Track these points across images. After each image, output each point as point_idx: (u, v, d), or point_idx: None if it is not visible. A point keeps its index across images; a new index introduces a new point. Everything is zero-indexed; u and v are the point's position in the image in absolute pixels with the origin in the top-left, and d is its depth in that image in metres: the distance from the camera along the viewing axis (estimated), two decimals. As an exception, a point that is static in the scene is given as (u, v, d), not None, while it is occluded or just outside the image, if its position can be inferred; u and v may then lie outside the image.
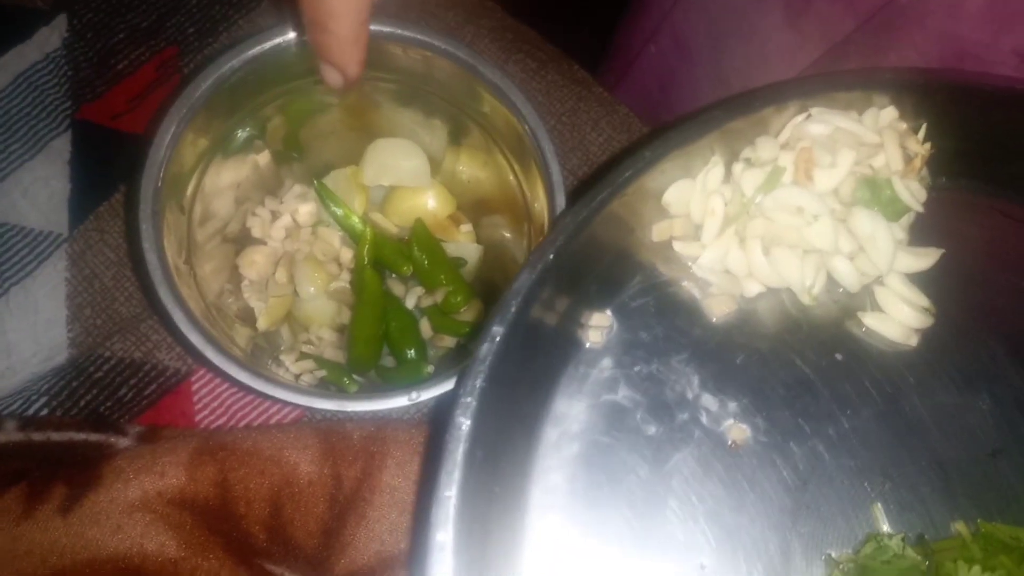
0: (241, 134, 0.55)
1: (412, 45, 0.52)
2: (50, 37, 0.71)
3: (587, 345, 0.44)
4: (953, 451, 0.42)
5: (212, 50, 0.71)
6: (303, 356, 0.58)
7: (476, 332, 0.58)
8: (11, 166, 0.66)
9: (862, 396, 0.43)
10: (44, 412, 0.60)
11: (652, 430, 0.42)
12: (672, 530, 0.40)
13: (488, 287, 0.62)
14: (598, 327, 0.44)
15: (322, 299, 0.59)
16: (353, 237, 0.61)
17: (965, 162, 0.47)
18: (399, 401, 0.48)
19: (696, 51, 0.69)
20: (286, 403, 0.52)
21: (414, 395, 0.48)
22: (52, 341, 0.63)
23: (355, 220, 0.60)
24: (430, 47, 0.52)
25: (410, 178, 0.61)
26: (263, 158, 0.58)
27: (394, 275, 0.62)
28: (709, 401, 0.43)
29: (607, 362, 0.43)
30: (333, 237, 0.61)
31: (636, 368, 0.43)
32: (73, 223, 0.66)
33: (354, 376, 0.58)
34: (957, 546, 0.39)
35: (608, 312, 0.44)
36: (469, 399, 0.37)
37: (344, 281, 0.60)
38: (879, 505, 0.41)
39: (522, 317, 0.39)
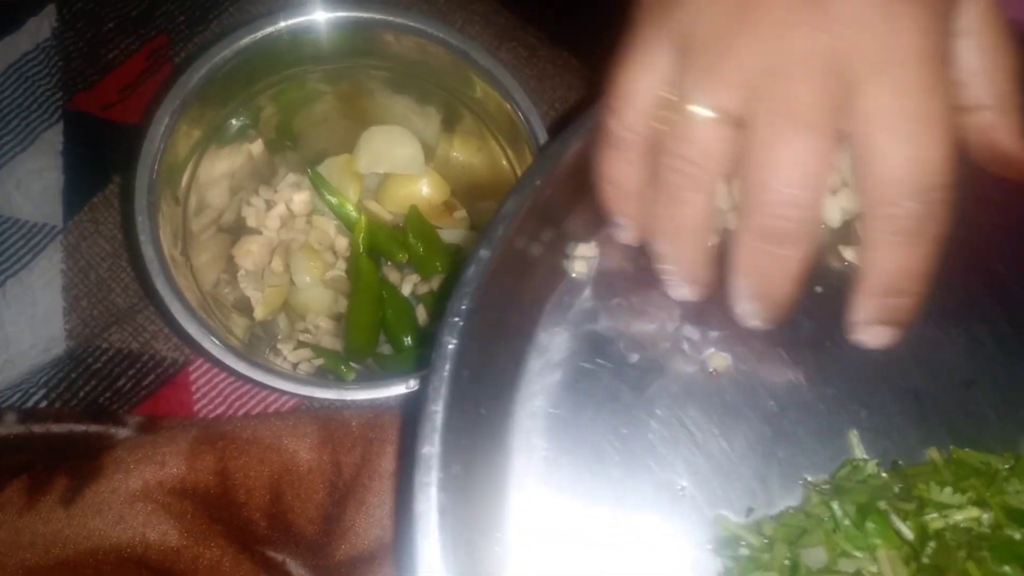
0: (234, 123, 0.55)
1: (404, 32, 0.52)
2: (40, 27, 0.70)
3: (572, 275, 0.44)
4: (928, 381, 0.43)
5: (203, 39, 0.71)
6: (300, 345, 0.58)
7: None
8: (3, 158, 0.66)
9: (841, 328, 0.42)
10: (43, 404, 0.60)
11: (634, 358, 0.43)
12: (653, 454, 0.41)
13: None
14: (583, 258, 0.44)
15: (318, 288, 0.59)
16: (348, 225, 0.61)
17: None
18: (397, 389, 0.48)
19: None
20: (284, 392, 0.52)
21: (412, 383, 0.48)
22: (49, 333, 0.63)
23: (350, 208, 0.61)
24: (422, 34, 0.52)
25: (404, 165, 0.61)
26: (257, 147, 0.58)
27: (390, 263, 0.62)
28: (690, 331, 0.43)
29: (589, 293, 0.44)
30: (328, 225, 0.61)
31: (616, 300, 0.43)
32: (67, 215, 0.66)
33: (351, 364, 0.58)
34: (930, 471, 0.39)
35: (593, 243, 0.44)
36: (456, 319, 0.37)
37: (340, 269, 0.61)
38: (855, 432, 0.42)
39: (509, 243, 0.39)
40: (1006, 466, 0.39)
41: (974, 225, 0.42)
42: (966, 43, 0.36)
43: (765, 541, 0.39)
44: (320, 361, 0.58)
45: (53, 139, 0.67)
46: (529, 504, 0.40)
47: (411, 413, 0.52)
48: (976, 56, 0.36)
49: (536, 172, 0.40)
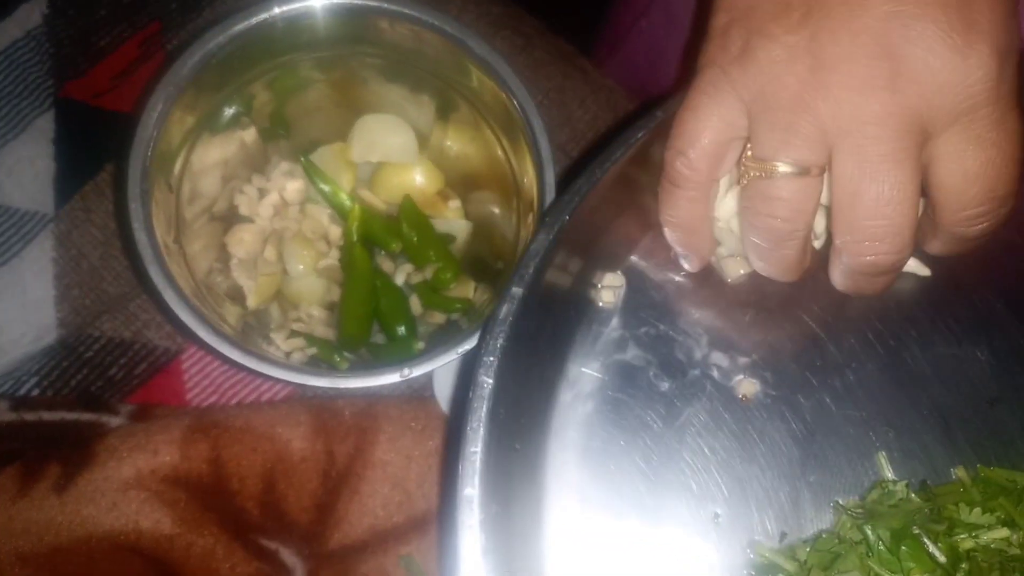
0: (228, 111, 0.55)
1: (399, 19, 0.52)
2: (31, 14, 0.70)
3: (600, 305, 0.45)
4: (953, 400, 0.44)
5: (195, 26, 0.71)
6: (293, 334, 0.58)
7: (466, 307, 0.59)
8: (-6, 146, 0.66)
9: (866, 349, 0.44)
10: (35, 393, 0.60)
11: (664, 386, 0.44)
12: (686, 482, 0.42)
13: (477, 263, 0.62)
14: (610, 287, 0.45)
15: (311, 277, 0.59)
16: (341, 214, 0.61)
17: None
18: (391, 377, 0.48)
19: (686, 25, 0.68)
20: (277, 380, 0.52)
21: (405, 371, 0.48)
22: (41, 322, 0.63)
23: (343, 197, 0.60)
24: (417, 21, 0.52)
25: (398, 154, 0.60)
26: (250, 135, 0.58)
27: (383, 252, 0.62)
28: (719, 358, 0.44)
29: (617, 322, 0.45)
30: (321, 214, 0.61)
31: (644, 329, 0.45)
32: (59, 203, 0.65)
33: (345, 353, 0.58)
34: (957, 490, 0.40)
35: (619, 272, 0.46)
36: (491, 358, 0.38)
37: (333, 259, 0.60)
38: (883, 454, 0.43)
39: (539, 278, 0.40)
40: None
41: (995, 245, 0.43)
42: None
43: (801, 567, 0.39)
44: (313, 350, 0.58)
45: (45, 127, 0.67)
46: (566, 537, 0.41)
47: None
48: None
49: (565, 207, 0.41)
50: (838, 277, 0.41)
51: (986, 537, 0.38)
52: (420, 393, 0.61)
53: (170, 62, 0.51)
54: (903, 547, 0.38)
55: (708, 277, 0.46)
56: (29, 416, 0.58)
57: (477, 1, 0.72)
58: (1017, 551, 0.38)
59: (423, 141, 0.61)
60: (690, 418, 0.43)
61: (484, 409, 0.37)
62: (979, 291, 0.46)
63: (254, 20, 0.51)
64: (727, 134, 0.39)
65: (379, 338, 0.61)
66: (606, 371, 0.44)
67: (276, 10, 0.51)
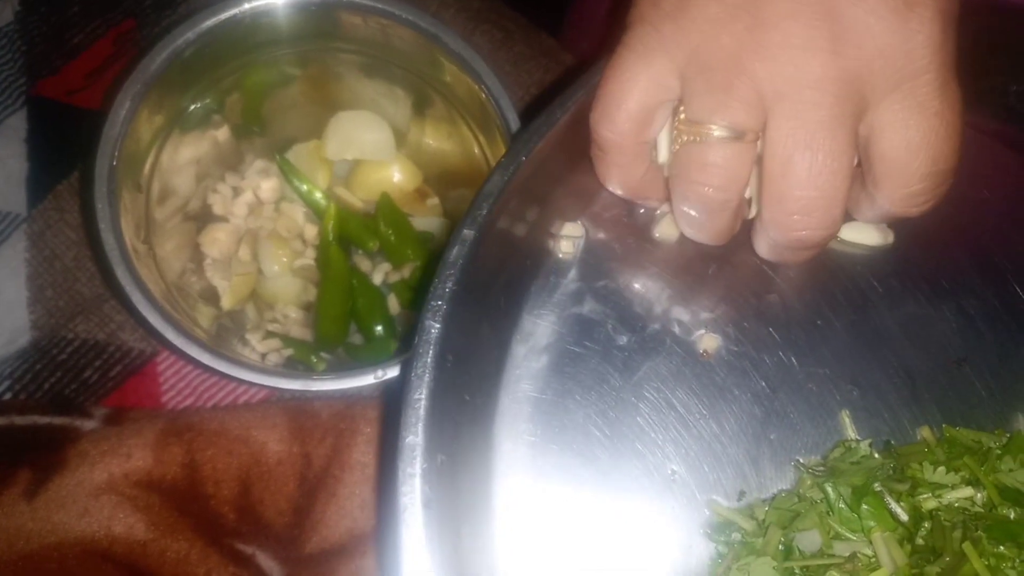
0: (199, 109, 0.54)
1: (372, 13, 0.51)
2: (2, 11, 0.69)
3: (559, 256, 0.44)
4: (920, 360, 0.43)
5: (170, 22, 0.70)
6: (269, 335, 0.58)
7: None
8: (-34, 146, 0.65)
9: (832, 307, 0.43)
10: (7, 396, 0.59)
11: (623, 340, 0.42)
12: (642, 437, 0.41)
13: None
14: (569, 237, 0.44)
15: (287, 277, 0.59)
16: (317, 213, 0.60)
17: None
18: (366, 379, 0.48)
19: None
20: (250, 384, 0.51)
21: (380, 373, 0.47)
22: (14, 324, 0.62)
23: (319, 195, 0.60)
24: (390, 16, 0.51)
25: (374, 151, 0.60)
26: (222, 133, 0.57)
27: (360, 251, 0.61)
28: (680, 312, 0.43)
29: (575, 274, 0.43)
30: (297, 213, 0.60)
31: (603, 282, 0.43)
32: (32, 203, 0.64)
33: (322, 354, 0.58)
34: (922, 450, 0.40)
35: (579, 223, 0.44)
36: (439, 303, 0.36)
37: (309, 258, 0.60)
38: (847, 412, 0.42)
39: (493, 222, 0.38)
40: (998, 444, 0.40)
41: (965, 203, 0.43)
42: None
43: (758, 526, 0.39)
44: (289, 351, 0.57)
45: (17, 125, 0.66)
46: (516, 491, 0.40)
47: (393, 400, 0.51)
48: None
49: (521, 148, 0.39)
50: (763, 248, 0.40)
51: (950, 496, 0.37)
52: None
53: (140, 58, 0.50)
54: (864, 505, 0.37)
55: (665, 231, 0.45)
56: (0, 421, 0.57)
57: (456, -5, 0.71)
58: (980, 510, 0.38)
59: (400, 138, 0.60)
60: (648, 373, 0.42)
61: (430, 355, 0.36)
62: (948, 251, 0.45)
63: (223, 16, 0.50)
64: (656, 96, 0.37)
65: (357, 338, 0.60)
66: (562, 324, 0.42)
67: (246, 5, 0.50)
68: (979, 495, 0.38)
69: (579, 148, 0.43)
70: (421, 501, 0.34)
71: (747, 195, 0.41)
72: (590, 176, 0.44)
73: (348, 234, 0.59)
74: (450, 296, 0.37)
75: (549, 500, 0.40)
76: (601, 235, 0.44)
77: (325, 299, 0.58)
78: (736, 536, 0.39)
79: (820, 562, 0.36)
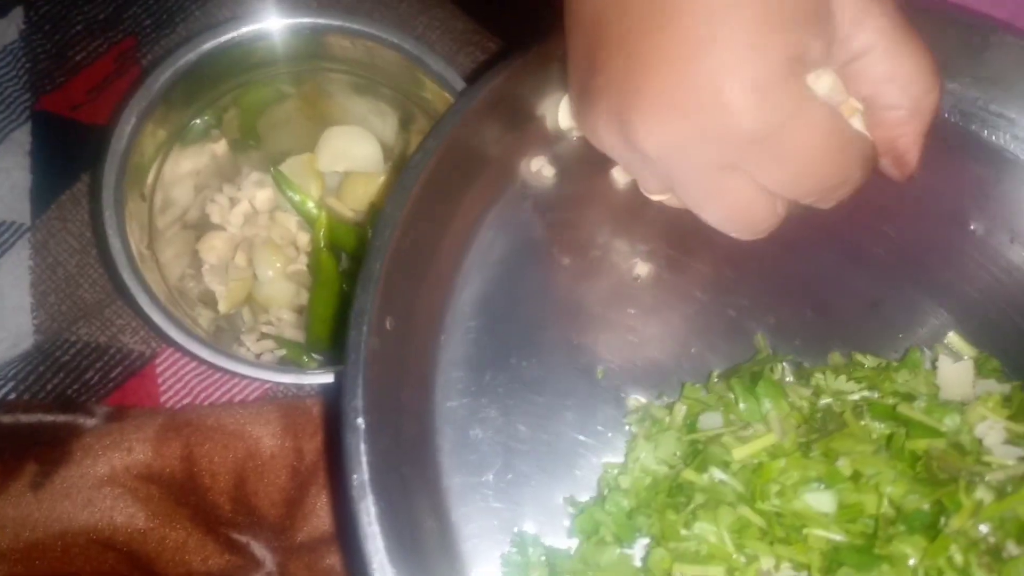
0: (199, 124, 0.57)
1: (360, 37, 0.55)
2: (7, 30, 0.71)
3: (524, 183, 0.47)
4: (835, 299, 0.47)
5: (169, 41, 0.72)
6: (264, 336, 0.60)
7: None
8: (-29, 158, 0.67)
9: (757, 250, 0.45)
10: (12, 396, 0.61)
11: (566, 261, 0.46)
12: (574, 341, 0.45)
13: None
14: (535, 169, 0.48)
15: (281, 281, 0.61)
16: (309, 221, 0.63)
17: None
18: (354, 374, 0.51)
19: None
20: (247, 378, 0.54)
21: (368, 368, 0.50)
22: (18, 328, 0.64)
23: (311, 205, 0.63)
24: (377, 39, 0.54)
25: (364, 164, 0.63)
26: (221, 147, 0.60)
27: (350, 257, 0.64)
28: (619, 243, 0.47)
29: (530, 204, 0.47)
30: (290, 222, 0.63)
31: (555, 213, 0.47)
32: (35, 213, 0.66)
33: (313, 355, 0.60)
34: (830, 370, 0.43)
35: (544, 157, 0.48)
36: (402, 194, 0.40)
37: (302, 264, 0.63)
38: (762, 334, 0.46)
39: (458, 137, 0.42)
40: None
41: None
42: (869, 58, 0.38)
43: (668, 414, 0.42)
44: (283, 352, 0.60)
45: (22, 139, 0.68)
46: (455, 376, 0.43)
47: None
48: (883, 64, 0.38)
49: (493, 76, 0.44)
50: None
51: (848, 399, 0.41)
52: (386, 392, 0.63)
53: (144, 77, 0.53)
54: (760, 388, 0.40)
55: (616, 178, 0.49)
56: (6, 418, 0.59)
57: (442, 18, 0.75)
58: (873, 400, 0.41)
59: (388, 151, 0.63)
60: (586, 289, 0.46)
61: (389, 234, 0.39)
62: (864, 214, 0.48)
63: (222, 38, 0.53)
64: None
65: (346, 340, 0.63)
66: (516, 241, 0.46)
67: (244, 29, 0.53)
68: (874, 395, 0.41)
69: (546, 91, 0.47)
70: (366, 353, 0.37)
71: None
72: (552, 117, 0.48)
73: (338, 241, 0.62)
74: (410, 191, 0.40)
75: (485, 387, 0.43)
76: (558, 172, 0.48)
77: (316, 302, 0.61)
78: (649, 418, 0.43)
79: (720, 431, 0.40)
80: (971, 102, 0.51)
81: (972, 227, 0.49)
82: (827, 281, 0.47)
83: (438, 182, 0.42)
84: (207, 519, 0.56)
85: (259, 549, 0.57)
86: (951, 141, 0.51)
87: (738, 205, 0.38)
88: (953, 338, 0.46)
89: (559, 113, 0.49)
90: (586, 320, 0.45)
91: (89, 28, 0.72)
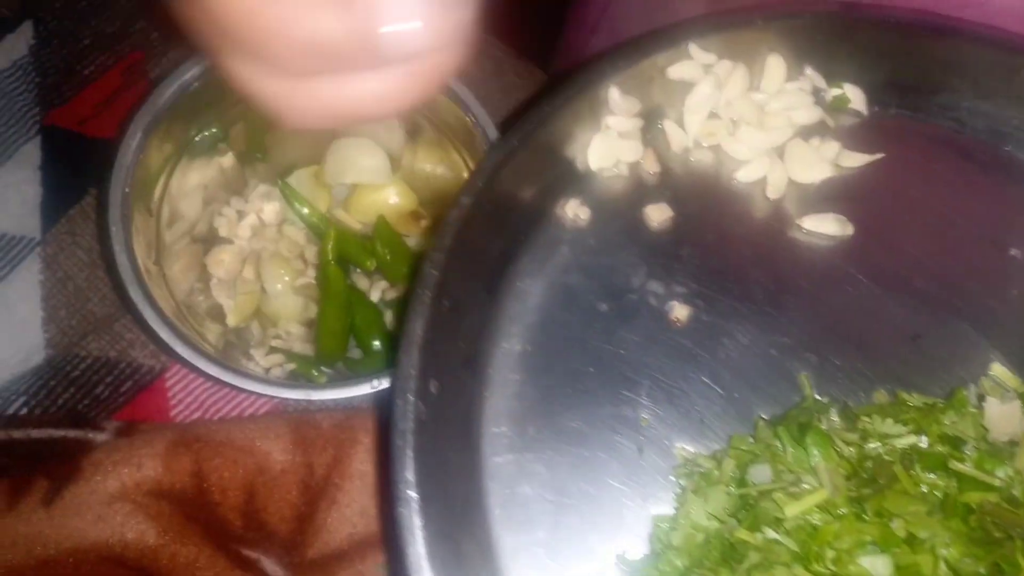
0: (205, 138, 0.57)
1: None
2: (16, 44, 0.72)
3: (561, 227, 0.48)
4: (876, 334, 0.46)
5: (177, 55, 0.73)
6: (273, 350, 0.60)
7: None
8: (-19, 173, 0.68)
9: (794, 287, 0.47)
10: (23, 411, 0.62)
11: (603, 307, 0.47)
12: (618, 392, 0.45)
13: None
14: (571, 213, 0.48)
15: (289, 295, 0.61)
16: (317, 234, 0.63)
17: (896, 92, 0.52)
18: (362, 389, 0.50)
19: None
20: (255, 394, 0.54)
21: (376, 383, 0.50)
22: (29, 342, 0.64)
23: (319, 218, 0.63)
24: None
25: (371, 175, 0.63)
26: (227, 160, 0.60)
27: (358, 270, 0.64)
28: (655, 286, 0.47)
29: (565, 249, 0.48)
30: (298, 234, 0.63)
31: (588, 257, 0.48)
32: (45, 227, 0.67)
33: (322, 368, 0.60)
34: (875, 410, 0.42)
35: (578, 200, 0.49)
36: (439, 254, 0.41)
37: (310, 277, 0.62)
38: (806, 375, 0.45)
39: (489, 193, 0.43)
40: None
41: (919, 203, 0.47)
42: None
43: (716, 464, 0.42)
44: (292, 366, 0.60)
45: (31, 153, 0.69)
46: (500, 431, 0.44)
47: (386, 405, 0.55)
48: None
49: (517, 131, 0.44)
50: None
51: (896, 444, 0.40)
52: (396, 405, 0.63)
53: (151, 90, 0.53)
54: (810, 443, 0.40)
55: (650, 217, 0.50)
56: (17, 434, 0.60)
57: (448, 27, 0.75)
58: (923, 448, 0.40)
59: (395, 163, 0.63)
60: (625, 336, 0.46)
61: (427, 296, 0.40)
62: (901, 241, 0.49)
63: (228, 52, 0.53)
64: None
65: (355, 353, 0.63)
66: (551, 289, 0.47)
67: (249, 42, 0.53)
68: (922, 440, 0.40)
69: (575, 134, 0.48)
70: (414, 417, 0.37)
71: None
72: (583, 159, 0.50)
73: (347, 254, 0.62)
74: (448, 249, 0.41)
75: (530, 440, 0.44)
76: (590, 216, 0.49)
77: (325, 316, 0.60)
78: (698, 471, 0.42)
79: (770, 487, 0.39)
80: (1006, 122, 0.51)
81: (1012, 252, 0.48)
82: (866, 315, 0.47)
83: (472, 236, 0.43)
84: (218, 535, 0.56)
85: (270, 565, 0.57)
86: (987, 163, 0.51)
87: None
88: (998, 369, 0.45)
89: (589, 153, 0.50)
90: (627, 367, 0.45)
91: (97, 42, 0.73)
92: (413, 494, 0.37)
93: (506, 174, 0.44)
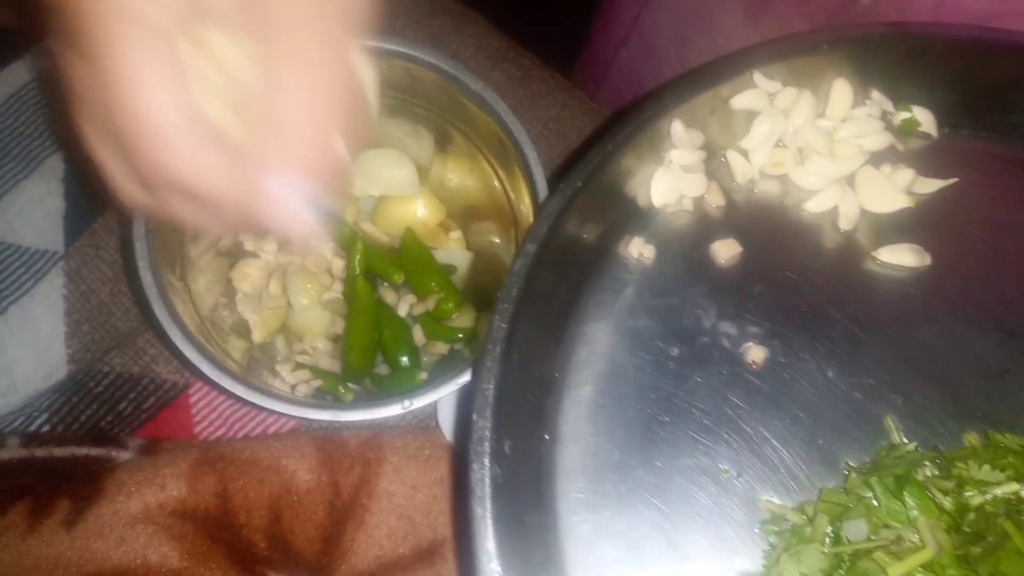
0: (231, 150, 0.56)
1: (397, 58, 0.53)
2: (40, 57, 0.72)
3: (626, 267, 0.47)
4: (962, 371, 0.44)
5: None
6: (299, 366, 0.59)
7: (469, 337, 0.60)
8: (6, 186, 0.67)
9: (874, 323, 0.45)
10: (46, 428, 0.61)
11: (675, 351, 0.45)
12: (696, 442, 0.43)
13: (479, 292, 0.63)
14: (635, 253, 0.47)
15: (315, 310, 0.60)
16: (344, 247, 0.62)
17: (966, 113, 0.51)
18: (392, 410, 0.49)
19: (663, 53, 0.70)
20: (281, 415, 0.52)
21: (407, 403, 0.49)
22: (52, 358, 0.64)
23: (346, 230, 0.61)
24: (413, 59, 0.53)
25: (399, 187, 0.61)
26: (253, 172, 0.59)
27: (386, 284, 0.62)
28: (727, 327, 0.46)
29: (631, 291, 0.47)
30: (325, 248, 0.62)
31: (656, 299, 0.46)
32: (69, 240, 0.66)
33: (349, 384, 0.59)
34: (968, 453, 0.41)
35: (642, 238, 0.47)
36: (507, 306, 0.40)
37: (336, 291, 0.61)
38: (892, 417, 0.43)
39: (553, 238, 0.42)
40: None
41: (998, 227, 0.46)
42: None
43: (808, 519, 0.40)
44: (318, 382, 0.58)
45: (55, 166, 0.68)
46: (576, 489, 0.42)
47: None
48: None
49: (577, 174, 0.43)
50: None
51: (996, 492, 0.38)
52: (425, 423, 0.61)
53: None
54: (907, 495, 0.38)
55: (717, 253, 0.48)
56: (39, 452, 0.59)
57: (476, 36, 0.74)
58: None
59: (423, 174, 0.62)
60: (699, 382, 0.44)
61: (498, 351, 0.39)
62: (984, 271, 0.47)
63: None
64: None
65: (383, 369, 0.62)
66: (618, 335, 0.45)
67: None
68: None
69: (637, 170, 0.47)
70: (490, 477, 0.36)
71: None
72: (645, 195, 0.48)
73: (374, 268, 0.61)
74: (515, 301, 0.40)
75: (607, 498, 0.42)
76: (655, 255, 0.48)
77: (352, 331, 0.59)
78: (787, 527, 0.41)
79: (867, 545, 0.37)
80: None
81: None
82: (949, 351, 0.45)
83: (538, 283, 0.42)
84: (243, 557, 0.55)
85: (296, 588, 0.55)
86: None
87: None
88: None
89: (652, 189, 0.48)
90: (702, 415, 0.44)
91: (121, 53, 0.72)
92: (496, 567, 0.35)
93: (569, 217, 0.43)
